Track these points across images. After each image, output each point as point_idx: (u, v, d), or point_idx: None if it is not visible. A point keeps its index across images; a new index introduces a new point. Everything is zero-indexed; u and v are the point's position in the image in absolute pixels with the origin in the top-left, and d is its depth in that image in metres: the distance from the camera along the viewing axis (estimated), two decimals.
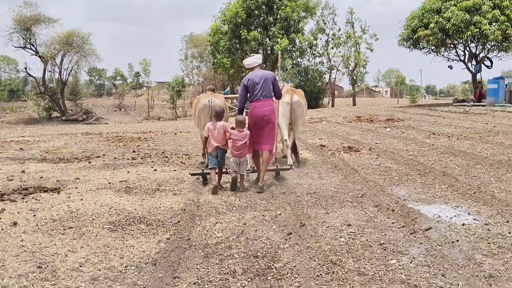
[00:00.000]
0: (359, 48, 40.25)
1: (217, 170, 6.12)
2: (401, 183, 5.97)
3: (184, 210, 5.02)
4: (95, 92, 77.99)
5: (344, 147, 9.40)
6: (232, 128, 6.05)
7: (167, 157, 9.20)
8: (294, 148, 7.59)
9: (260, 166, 6.19)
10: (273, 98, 6.38)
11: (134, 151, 10.24)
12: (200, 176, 6.63)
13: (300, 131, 7.89)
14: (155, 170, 7.65)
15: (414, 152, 8.36)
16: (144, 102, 52.53)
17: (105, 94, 75.41)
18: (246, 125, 6.24)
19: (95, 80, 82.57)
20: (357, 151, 8.76)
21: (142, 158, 9.06)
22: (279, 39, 32.77)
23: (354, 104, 46.07)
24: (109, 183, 6.64)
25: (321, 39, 38.28)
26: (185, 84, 44.30)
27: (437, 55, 24.24)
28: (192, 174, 6.76)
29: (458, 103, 21.75)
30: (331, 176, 6.60)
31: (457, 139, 9.89)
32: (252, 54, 6.67)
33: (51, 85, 44.05)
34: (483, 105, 19.46)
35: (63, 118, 41.14)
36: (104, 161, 8.95)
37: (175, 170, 7.57)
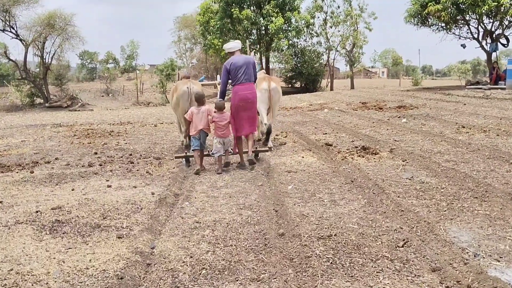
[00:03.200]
0: (357, 27, 37.91)
1: (199, 153, 6.46)
2: (455, 216, 4.03)
3: (122, 278, 3.09)
4: (87, 76, 75.25)
5: (356, 147, 7.45)
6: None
7: (132, 162, 7.25)
8: (269, 132, 7.82)
9: (242, 150, 6.57)
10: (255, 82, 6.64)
11: (95, 153, 8.28)
12: (184, 159, 6.96)
13: (276, 115, 8.29)
14: (109, 186, 5.71)
15: (450, 156, 6.42)
16: (135, 86, 49.95)
17: (97, 78, 72.58)
18: (226, 109, 6.51)
19: (87, 64, 79.81)
20: (375, 154, 6.81)
21: (100, 165, 7.11)
22: (273, 18, 30.47)
23: (352, 86, 43.84)
24: (37, 211, 4.71)
25: (318, 17, 35.81)
26: (175, 67, 41.79)
27: (448, 32, 22.03)
28: (176, 157, 7.02)
29: (472, 86, 19.72)
30: (349, 200, 4.67)
31: (497, 134, 7.95)
32: (230, 41, 7.29)
33: (38, 69, 41.49)
34: (503, 88, 17.46)
35: (47, 105, 38.82)
36: (52, 169, 7.01)
37: (134, 187, 5.62)
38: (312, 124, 11.12)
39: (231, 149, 6.55)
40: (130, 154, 8.02)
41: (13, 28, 37.58)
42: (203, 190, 5.39)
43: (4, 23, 37.13)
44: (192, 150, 6.46)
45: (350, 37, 34.80)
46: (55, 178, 6.32)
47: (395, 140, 7.93)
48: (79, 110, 34.10)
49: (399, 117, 11.17)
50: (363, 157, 6.68)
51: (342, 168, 6.07)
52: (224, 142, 6.34)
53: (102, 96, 47.58)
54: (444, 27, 21.57)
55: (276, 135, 9.51)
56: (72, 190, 5.63)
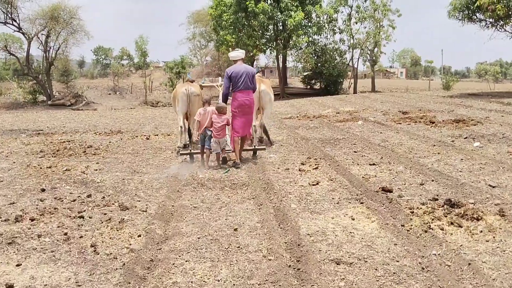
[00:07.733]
0: (380, 25, 34.75)
1: (205, 150, 6.97)
2: None
3: None
4: (101, 72, 73.78)
5: (435, 199, 4.68)
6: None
7: (82, 216, 4.62)
8: (265, 130, 8.68)
9: (237, 150, 7.03)
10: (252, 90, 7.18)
11: (43, 190, 5.71)
12: (188, 156, 7.41)
13: (269, 116, 8.89)
14: (9, 286, 3.08)
15: None
16: (148, 83, 47.34)
17: (111, 74, 71.28)
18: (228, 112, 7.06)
19: (101, 59, 78.44)
20: (477, 220, 4.04)
21: (32, 220, 4.54)
22: (292, 12, 27.66)
23: (374, 88, 40.69)
24: None
25: (342, 12, 32.84)
26: (185, 64, 39.21)
27: (499, 30, 18.93)
28: (181, 154, 7.55)
29: None
30: None
31: None
32: (236, 49, 7.87)
33: (43, 65, 39.38)
34: None
35: (49, 102, 36.67)
36: None
37: None
38: (347, 144, 8.38)
39: (229, 145, 7.22)
40: (89, 196, 5.41)
41: (15, 21, 35.48)
42: None
43: (5, 15, 35.04)
44: (200, 145, 7.11)
45: (377, 35, 31.69)
46: None
47: (489, 186, 5.14)
48: (82, 109, 31.84)
49: (466, 137, 8.34)
50: (460, 226, 3.91)
51: (433, 258, 3.32)
52: (220, 142, 6.88)
53: (109, 94, 45.28)
54: (494, 24, 18.46)
55: (302, 164, 6.83)
56: None
